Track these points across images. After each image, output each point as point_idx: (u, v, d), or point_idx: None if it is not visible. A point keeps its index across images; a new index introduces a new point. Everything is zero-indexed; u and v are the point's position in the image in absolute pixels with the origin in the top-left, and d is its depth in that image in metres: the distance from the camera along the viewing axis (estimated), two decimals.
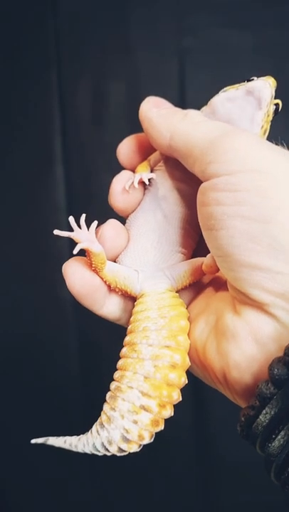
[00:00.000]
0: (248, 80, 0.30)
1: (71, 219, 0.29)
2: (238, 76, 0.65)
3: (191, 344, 0.29)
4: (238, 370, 0.25)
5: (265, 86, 0.29)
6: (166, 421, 0.28)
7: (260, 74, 0.30)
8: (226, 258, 0.26)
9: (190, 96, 0.62)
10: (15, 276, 0.65)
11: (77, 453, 0.29)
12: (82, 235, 0.29)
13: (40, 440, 0.31)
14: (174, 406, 0.28)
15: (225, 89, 0.31)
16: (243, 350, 0.25)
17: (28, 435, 0.31)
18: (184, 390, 0.28)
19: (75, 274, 0.30)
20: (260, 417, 0.22)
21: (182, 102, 0.62)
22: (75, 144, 0.65)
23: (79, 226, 0.29)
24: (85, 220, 0.29)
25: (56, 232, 0.29)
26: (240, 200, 0.25)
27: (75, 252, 0.28)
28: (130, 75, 0.64)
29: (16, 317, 0.66)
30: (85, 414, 0.54)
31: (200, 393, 0.63)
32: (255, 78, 0.30)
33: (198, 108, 0.32)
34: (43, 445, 0.30)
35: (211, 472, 0.66)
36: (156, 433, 0.28)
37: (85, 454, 0.29)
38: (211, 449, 0.65)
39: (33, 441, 0.31)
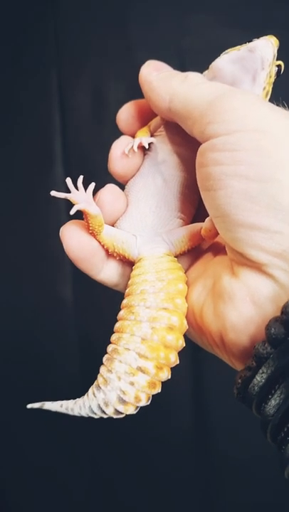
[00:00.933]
0: (250, 41, 0.30)
1: (68, 180, 0.29)
2: None
3: (189, 308, 0.29)
4: (235, 331, 0.25)
5: (267, 45, 0.29)
6: (166, 416, 0.28)
7: None
8: (224, 218, 0.25)
9: None
10: (15, 276, 0.65)
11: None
12: (80, 196, 0.29)
13: (36, 405, 0.31)
14: (173, 409, 0.28)
15: (226, 51, 0.30)
16: (240, 312, 0.25)
17: (28, 435, 0.31)
18: (184, 391, 0.28)
19: (72, 238, 0.30)
20: (257, 376, 0.22)
21: None
22: (75, 144, 0.65)
23: (76, 188, 0.29)
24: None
25: (53, 193, 0.29)
26: (238, 159, 0.24)
27: (71, 213, 0.28)
28: (130, 75, 0.64)
29: (15, 317, 0.66)
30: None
31: (200, 393, 0.63)
32: (256, 39, 0.30)
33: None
34: (43, 443, 0.29)
35: (211, 472, 0.66)
36: (156, 433, 0.27)
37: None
38: (211, 449, 0.65)
39: (29, 406, 0.31)
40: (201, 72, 0.32)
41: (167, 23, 0.63)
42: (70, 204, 0.29)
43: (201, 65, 0.65)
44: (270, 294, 0.24)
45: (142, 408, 0.28)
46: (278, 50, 0.30)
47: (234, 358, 0.26)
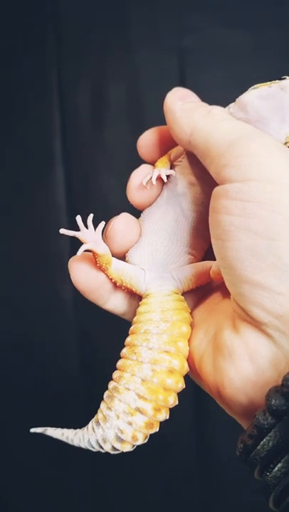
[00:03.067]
0: (280, 79, 0.29)
1: (78, 218, 0.29)
2: (238, 76, 0.65)
3: (189, 352, 0.29)
4: (232, 388, 0.25)
5: None
6: (166, 421, 0.28)
7: (261, 74, 0.30)
8: (229, 271, 0.25)
9: None
10: (15, 276, 0.65)
11: (77, 452, 0.29)
12: (88, 235, 0.29)
13: (39, 430, 0.32)
14: (172, 408, 0.28)
15: (255, 86, 0.29)
16: (238, 369, 0.25)
17: (28, 435, 0.31)
18: (183, 390, 0.28)
19: (79, 271, 0.30)
20: (258, 447, 0.21)
21: None
22: (75, 144, 0.65)
23: (86, 226, 0.29)
24: (79, 214, 0.29)
25: (62, 231, 0.29)
26: (249, 211, 0.24)
27: (78, 254, 0.28)
28: (130, 75, 0.64)
29: (15, 317, 0.66)
30: (85, 414, 0.54)
31: (200, 393, 0.63)
32: (288, 77, 0.29)
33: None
34: (43, 446, 0.30)
35: (211, 472, 0.66)
36: (156, 433, 0.28)
37: (85, 453, 0.29)
38: (211, 449, 0.65)
39: (32, 430, 0.32)
40: (202, 73, 0.31)
41: (167, 23, 0.63)
42: (70, 204, 0.29)
43: (201, 65, 0.65)
44: (268, 355, 0.24)
45: None
46: (279, 50, 0.30)
47: (231, 411, 0.26)
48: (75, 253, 0.29)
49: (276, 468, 0.21)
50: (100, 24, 0.64)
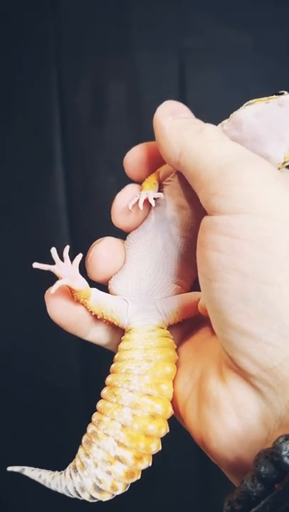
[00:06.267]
0: (278, 94, 0.26)
1: (53, 250, 0.27)
2: (238, 76, 0.65)
3: (173, 395, 0.27)
4: (217, 443, 0.23)
5: None
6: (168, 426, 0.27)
7: (261, 74, 0.29)
8: (216, 314, 0.23)
9: (190, 96, 0.62)
10: (15, 276, 0.65)
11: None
12: (64, 269, 0.27)
13: (16, 468, 0.30)
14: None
15: (250, 101, 0.27)
16: (223, 424, 0.23)
17: (28, 434, 0.31)
18: None
19: (56, 305, 0.28)
20: None
21: (182, 102, 0.62)
22: (75, 143, 0.65)
23: (62, 259, 0.27)
24: (81, 217, 0.28)
25: (35, 265, 0.27)
26: (238, 250, 0.21)
27: (52, 291, 0.27)
28: (130, 75, 0.64)
29: (15, 317, 0.66)
30: (85, 415, 0.53)
31: None
32: (286, 92, 0.26)
33: (200, 108, 0.30)
34: (44, 451, 0.29)
35: (211, 472, 0.66)
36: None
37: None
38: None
39: (10, 468, 0.30)
40: (202, 73, 0.30)
41: (167, 23, 0.63)
42: (70, 204, 0.29)
43: (201, 64, 0.65)
44: (256, 411, 0.22)
45: None
46: (279, 50, 0.29)
47: (217, 462, 0.25)
48: (74, 255, 0.28)
49: None
50: (100, 24, 0.64)
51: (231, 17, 0.62)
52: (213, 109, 0.34)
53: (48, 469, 0.30)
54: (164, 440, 0.27)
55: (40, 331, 0.66)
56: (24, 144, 0.65)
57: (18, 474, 0.30)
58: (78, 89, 0.65)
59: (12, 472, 0.30)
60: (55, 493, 0.28)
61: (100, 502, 0.27)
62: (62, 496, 0.28)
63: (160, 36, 0.63)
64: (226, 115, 0.28)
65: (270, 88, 0.29)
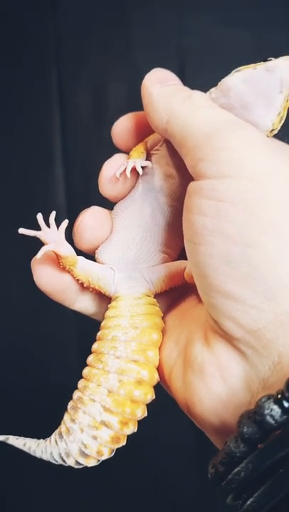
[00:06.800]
0: (265, 60, 0.26)
1: (39, 216, 0.27)
2: None
3: (159, 361, 0.27)
4: (202, 407, 0.23)
5: (288, 65, 0.25)
6: (165, 421, 0.27)
7: None
8: (201, 278, 0.23)
9: None
10: (15, 276, 0.65)
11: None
12: (50, 235, 0.27)
13: (0, 438, 0.30)
14: (173, 406, 0.27)
15: (239, 68, 0.27)
16: (208, 388, 0.23)
17: (28, 434, 0.31)
18: None
19: (42, 272, 0.28)
20: (230, 476, 0.20)
21: None
22: (75, 143, 0.65)
23: (48, 225, 0.27)
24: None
25: (21, 230, 0.27)
26: (223, 213, 0.21)
27: (38, 256, 0.27)
28: (130, 75, 0.64)
29: (15, 317, 0.66)
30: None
31: None
32: (273, 58, 0.26)
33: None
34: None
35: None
36: (154, 432, 0.27)
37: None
38: (211, 449, 0.65)
39: None
40: (202, 73, 0.30)
41: (167, 23, 0.63)
42: (70, 204, 0.29)
43: (201, 65, 0.65)
44: (240, 375, 0.22)
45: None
46: (279, 50, 0.29)
47: (201, 426, 0.25)
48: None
49: (248, 502, 0.19)
50: (100, 24, 0.64)
51: (231, 17, 0.62)
52: None
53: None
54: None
55: (40, 331, 0.66)
56: (24, 144, 0.65)
57: (18, 475, 0.30)
58: (78, 89, 0.65)
59: (12, 472, 0.30)
60: (55, 491, 0.28)
61: (98, 499, 0.27)
62: (63, 496, 0.28)
63: (160, 36, 0.63)
64: None
65: None
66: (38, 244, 0.28)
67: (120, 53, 0.64)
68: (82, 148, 0.65)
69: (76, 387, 0.28)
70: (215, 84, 0.28)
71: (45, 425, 0.31)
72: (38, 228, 0.27)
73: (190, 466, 0.65)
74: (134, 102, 0.64)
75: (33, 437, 0.30)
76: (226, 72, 0.28)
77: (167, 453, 0.65)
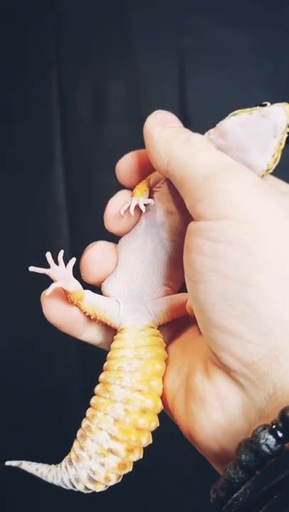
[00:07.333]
0: (261, 105, 0.27)
1: (48, 255, 0.28)
2: (238, 76, 0.65)
3: (163, 390, 0.28)
4: (203, 434, 0.25)
5: (281, 112, 0.27)
6: (167, 421, 0.28)
7: (260, 73, 0.30)
8: (200, 313, 0.24)
9: (190, 96, 0.62)
10: (14, 277, 0.65)
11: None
12: (58, 272, 0.28)
13: (14, 463, 0.32)
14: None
15: (235, 112, 0.28)
16: (208, 416, 0.24)
17: (28, 434, 0.31)
18: None
19: (51, 306, 0.30)
20: (230, 501, 0.21)
21: (182, 102, 0.62)
22: (75, 144, 0.65)
23: (56, 262, 0.29)
24: (81, 217, 0.29)
25: (32, 268, 0.28)
26: (221, 253, 0.23)
27: (47, 293, 0.28)
28: (130, 75, 0.64)
29: (15, 317, 0.66)
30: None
31: None
32: (269, 103, 0.27)
33: (200, 108, 0.30)
34: (43, 450, 0.30)
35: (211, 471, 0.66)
36: (156, 435, 0.28)
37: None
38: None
39: (8, 463, 0.32)
40: (202, 73, 0.31)
41: (167, 23, 0.63)
42: (70, 204, 0.29)
43: (201, 65, 0.65)
44: (238, 405, 0.23)
45: None
46: (279, 50, 0.29)
47: (203, 453, 0.26)
48: (74, 255, 0.29)
49: None
50: (100, 24, 0.64)
51: (231, 17, 0.62)
52: (213, 109, 0.34)
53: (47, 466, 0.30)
54: (164, 436, 0.28)
55: (40, 331, 0.66)
56: (24, 144, 0.65)
57: (18, 475, 0.30)
58: (78, 89, 0.65)
59: (12, 472, 0.30)
60: (56, 491, 0.29)
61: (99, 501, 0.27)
62: (63, 495, 0.28)
63: (160, 36, 0.63)
64: (226, 115, 0.29)
65: (269, 88, 0.30)
66: (38, 244, 0.28)
67: (120, 53, 0.64)
68: (82, 148, 0.65)
69: (76, 387, 0.29)
70: (215, 84, 0.28)
71: (45, 425, 0.31)
72: (37, 233, 0.28)
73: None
74: (134, 102, 0.65)
75: (33, 437, 0.30)
76: (226, 71, 0.28)
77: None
